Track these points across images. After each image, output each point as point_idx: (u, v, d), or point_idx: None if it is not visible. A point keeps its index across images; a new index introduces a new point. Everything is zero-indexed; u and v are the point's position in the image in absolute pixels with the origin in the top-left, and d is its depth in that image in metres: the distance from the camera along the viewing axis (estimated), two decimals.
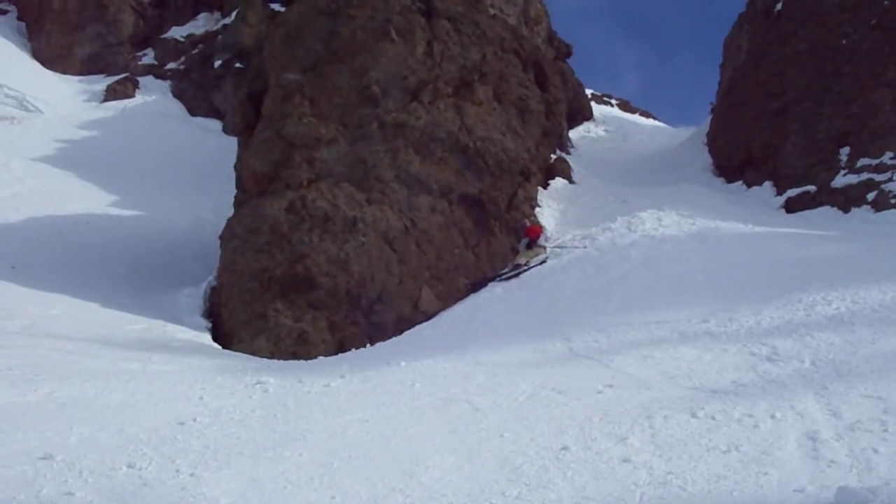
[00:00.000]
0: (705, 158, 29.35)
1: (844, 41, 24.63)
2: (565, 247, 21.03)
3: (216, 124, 40.95)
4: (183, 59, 45.74)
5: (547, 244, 21.60)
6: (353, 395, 11.09)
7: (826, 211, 22.23)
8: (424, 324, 18.21)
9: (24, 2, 48.17)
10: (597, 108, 40.98)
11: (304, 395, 11.16)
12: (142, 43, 47.03)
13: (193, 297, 19.83)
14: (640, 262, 18.27)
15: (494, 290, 19.38)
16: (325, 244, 18.70)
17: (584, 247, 20.47)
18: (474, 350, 13.94)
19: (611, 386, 10.48)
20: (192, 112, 42.64)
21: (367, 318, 18.28)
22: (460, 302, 19.29)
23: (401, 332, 17.90)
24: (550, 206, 24.55)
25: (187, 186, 30.98)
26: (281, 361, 16.02)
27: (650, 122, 43.58)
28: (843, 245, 17.38)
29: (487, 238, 21.63)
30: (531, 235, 21.71)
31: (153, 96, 43.47)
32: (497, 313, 17.34)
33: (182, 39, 46.78)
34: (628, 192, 25.80)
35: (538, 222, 22.95)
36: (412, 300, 18.99)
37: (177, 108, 42.97)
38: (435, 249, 20.27)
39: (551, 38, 38.75)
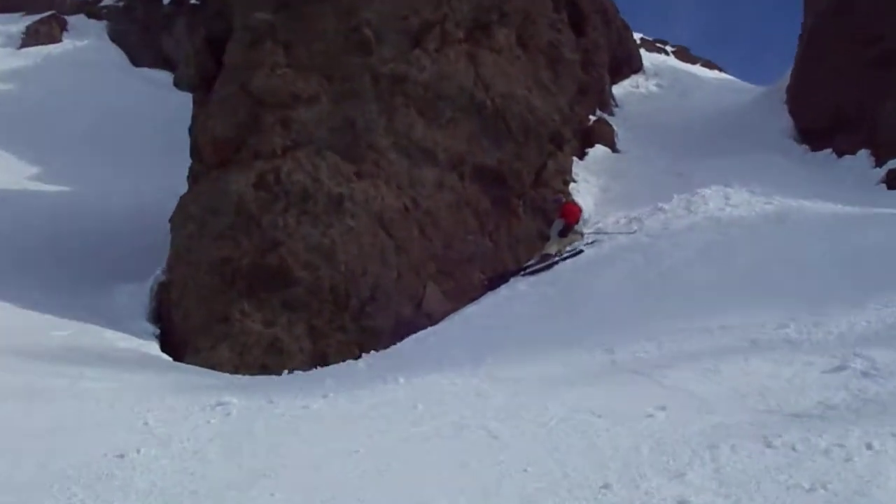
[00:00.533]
0: (784, 121, 29.25)
1: None
2: (608, 233, 21.03)
3: (166, 77, 40.94)
4: None
5: (585, 229, 21.59)
6: (339, 420, 11.11)
7: None
8: (429, 329, 18.25)
9: None
10: (647, 57, 40.79)
11: (277, 420, 11.18)
12: None
13: (137, 296, 19.89)
14: (701, 251, 18.26)
15: (517, 286, 19.42)
16: (303, 228, 18.73)
17: (633, 231, 20.47)
18: (492, 363, 13.94)
19: (664, 408, 10.46)
20: (135, 61, 42.69)
21: (356, 322, 18.32)
22: (474, 302, 19.35)
23: (400, 339, 17.96)
24: (588, 182, 24.51)
25: (128, 155, 31.06)
26: (248, 377, 16.05)
27: (715, 74, 43.39)
28: None
29: (509, 221, 21.63)
30: (567, 217, 21.48)
31: (85, 40, 43.52)
32: (520, 316, 17.35)
33: None
34: (686, 164, 25.74)
35: (574, 201, 22.92)
36: (414, 299, 19.02)
37: (115, 55, 43.01)
38: (442, 235, 20.28)
39: None
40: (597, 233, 21.23)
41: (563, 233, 21.23)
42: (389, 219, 19.51)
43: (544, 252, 20.80)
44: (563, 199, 22.30)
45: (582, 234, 21.15)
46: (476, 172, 21.36)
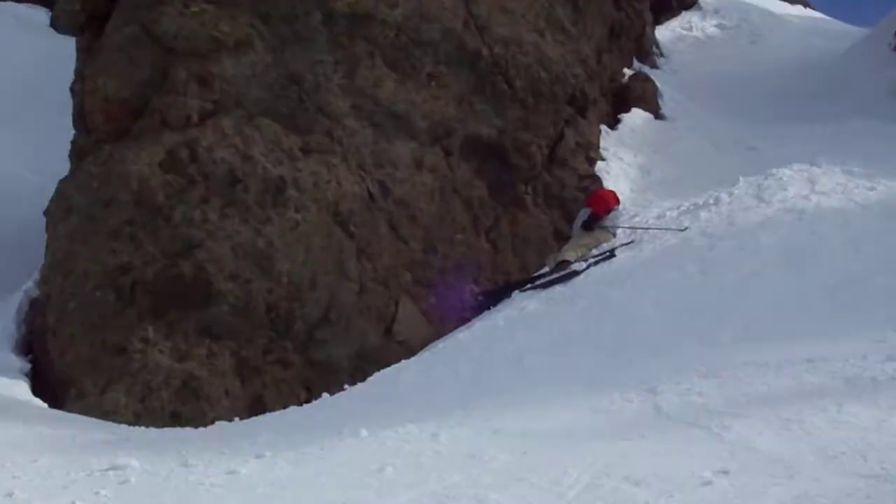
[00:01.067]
0: (891, 75, 29.32)
1: None
2: (649, 228, 21.00)
3: (40, 14, 40.85)
4: None
5: (617, 224, 21.56)
6: (280, 490, 11.08)
7: None
8: (403, 363, 18.24)
9: None
10: None
11: (194, 491, 11.14)
12: None
13: None
14: (778, 255, 18.24)
15: (524, 304, 19.37)
16: (230, 224, 18.76)
17: (684, 228, 20.42)
18: (490, 409, 13.91)
19: (726, 472, 10.44)
20: None
21: (303, 353, 18.38)
22: (465, 325, 19.33)
23: (362, 377, 17.97)
24: (622, 160, 24.56)
25: None
26: (154, 430, 16.03)
27: (798, 11, 43.45)
28: None
29: (513, 214, 21.72)
30: (595, 206, 21.51)
31: None
32: (529, 345, 17.31)
33: None
34: (758, 134, 25.83)
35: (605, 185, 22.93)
36: (382, 322, 19.06)
37: None
38: (422, 234, 20.36)
39: None
40: (633, 228, 21.18)
41: (588, 225, 21.18)
42: (349, 211, 19.56)
43: (561, 258, 20.68)
44: (592, 183, 22.31)
45: (614, 233, 21.12)
46: (468, 148, 21.43)
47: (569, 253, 20.77)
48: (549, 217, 22.01)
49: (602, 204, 21.48)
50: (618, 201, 22.05)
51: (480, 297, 20.03)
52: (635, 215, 22.04)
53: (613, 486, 10.39)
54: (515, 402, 14.29)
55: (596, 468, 10.94)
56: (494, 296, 20.03)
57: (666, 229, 20.61)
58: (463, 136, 21.28)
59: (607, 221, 21.43)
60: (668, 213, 21.66)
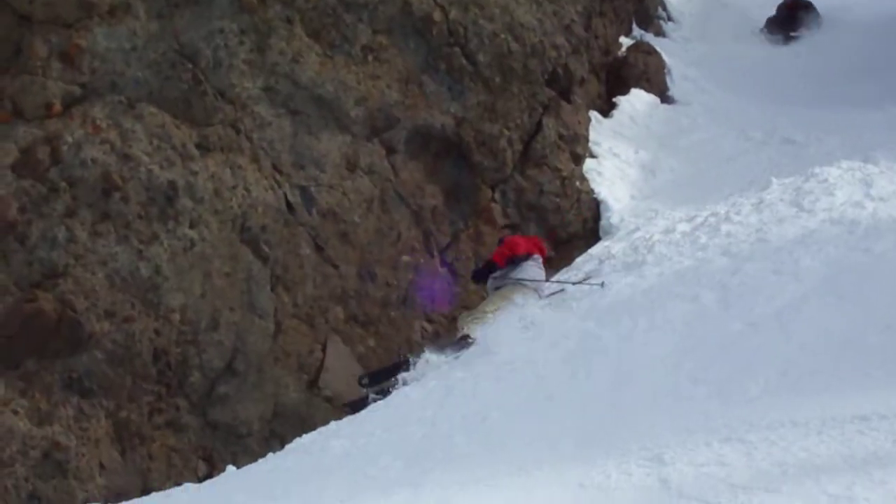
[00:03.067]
0: None
1: None
2: (560, 282, 20.26)
3: None
4: None
5: (528, 277, 20.64)
6: None
7: None
8: (333, 425, 18.18)
9: None
10: None
11: None
12: None
13: None
14: (822, 281, 18.22)
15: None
16: (104, 246, 18.71)
17: (600, 283, 19.91)
18: (445, 484, 13.91)
19: None
20: None
21: (202, 413, 18.32)
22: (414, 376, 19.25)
23: (280, 444, 18.00)
24: (618, 156, 24.67)
25: None
26: None
27: None
28: None
29: (476, 227, 21.71)
30: (496, 255, 20.72)
31: None
32: (497, 399, 17.29)
33: None
34: (796, 122, 25.95)
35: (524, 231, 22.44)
36: (305, 371, 19.02)
37: None
38: (357, 255, 20.39)
39: None
40: (560, 283, 20.38)
41: (479, 275, 20.83)
42: (260, 227, 19.52)
43: (462, 331, 19.59)
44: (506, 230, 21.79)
45: (540, 293, 20.19)
46: (416, 142, 21.50)
47: (469, 319, 20.09)
48: (523, 232, 22.02)
49: (507, 248, 20.73)
50: (539, 251, 21.09)
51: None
52: (635, 229, 21.97)
53: None
54: (480, 475, 14.23)
55: None
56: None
57: (582, 283, 20.00)
58: (410, 128, 21.33)
59: (519, 273, 20.77)
60: (679, 225, 21.55)
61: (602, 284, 19.50)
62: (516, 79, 22.72)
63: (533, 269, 20.62)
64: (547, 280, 20.44)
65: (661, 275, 19.99)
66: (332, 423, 18.13)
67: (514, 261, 20.62)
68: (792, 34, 33.12)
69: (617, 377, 17.07)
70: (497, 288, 20.41)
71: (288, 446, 17.67)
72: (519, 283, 20.40)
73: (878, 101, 26.88)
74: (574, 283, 20.25)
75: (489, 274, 20.60)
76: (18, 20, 19.79)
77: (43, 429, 17.75)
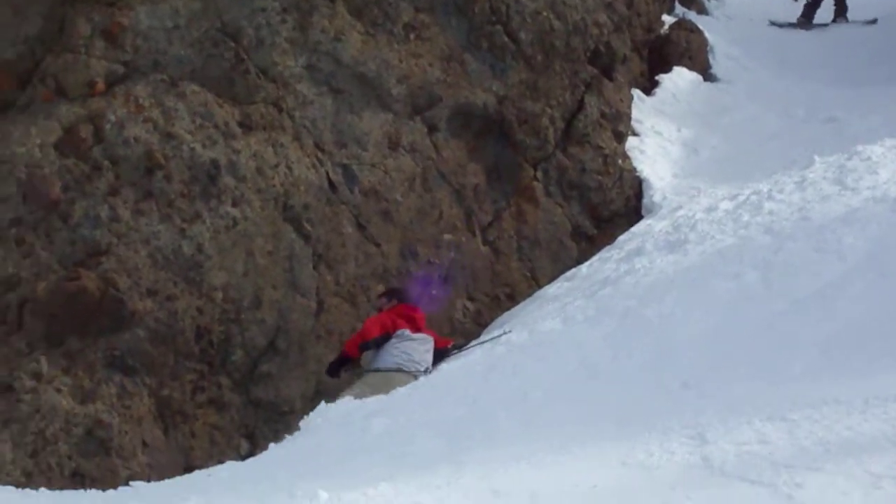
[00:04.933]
0: None
1: None
2: (488, 340, 19.46)
3: None
4: None
5: (453, 343, 19.63)
6: None
7: None
8: (375, 402, 18.12)
9: None
10: None
11: None
12: None
13: None
14: (866, 259, 18.11)
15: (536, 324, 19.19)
16: (147, 224, 18.70)
17: (508, 332, 19.42)
18: (487, 463, 13.83)
19: None
20: None
21: (244, 391, 18.30)
22: (459, 350, 19.13)
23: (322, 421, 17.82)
24: (661, 134, 24.54)
25: None
26: (48, 494, 15.93)
27: None
28: None
29: (518, 206, 21.64)
30: (349, 348, 18.72)
31: None
32: (538, 378, 17.21)
33: None
34: (839, 100, 25.79)
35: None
36: None
37: None
38: (399, 234, 20.30)
39: None
40: (458, 347, 19.38)
41: (332, 371, 18.90)
42: (303, 205, 19.48)
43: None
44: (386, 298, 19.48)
45: (416, 374, 18.26)
46: (458, 121, 21.41)
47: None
48: (565, 210, 21.96)
49: (360, 335, 18.58)
50: (392, 328, 18.62)
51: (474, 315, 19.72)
52: (678, 207, 21.87)
53: None
54: (521, 453, 14.14)
55: None
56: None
57: (488, 340, 19.03)
58: (452, 106, 21.26)
59: (388, 359, 18.30)
60: (722, 205, 21.44)
61: (508, 332, 18.75)
62: (558, 57, 22.63)
63: (407, 348, 18.53)
64: (455, 348, 19.33)
65: (703, 253, 19.89)
66: (373, 401, 18.04)
67: (377, 343, 18.49)
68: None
69: (659, 356, 16.96)
70: (330, 373, 18.87)
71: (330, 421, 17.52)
72: (399, 370, 18.40)
73: None
74: (480, 343, 19.18)
75: (340, 368, 18.76)
76: None
77: (86, 406, 17.74)
